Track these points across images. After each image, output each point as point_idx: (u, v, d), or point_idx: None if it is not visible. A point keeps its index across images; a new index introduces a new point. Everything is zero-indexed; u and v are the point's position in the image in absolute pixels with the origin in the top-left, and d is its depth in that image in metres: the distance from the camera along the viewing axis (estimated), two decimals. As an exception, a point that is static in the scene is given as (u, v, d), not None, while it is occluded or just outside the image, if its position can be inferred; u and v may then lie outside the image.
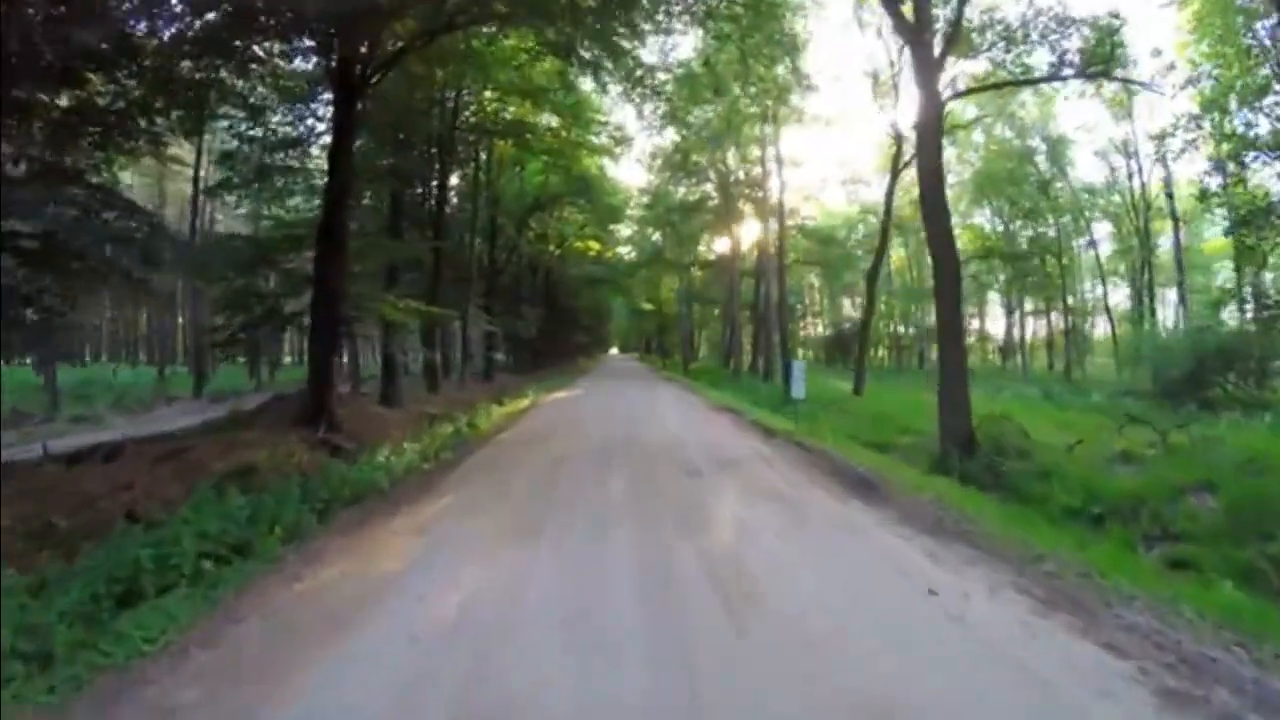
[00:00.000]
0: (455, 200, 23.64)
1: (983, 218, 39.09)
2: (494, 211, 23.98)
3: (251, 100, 12.82)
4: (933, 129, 9.56)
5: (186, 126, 11.86)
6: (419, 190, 18.54)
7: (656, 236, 39.00)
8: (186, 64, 11.59)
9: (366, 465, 7.92)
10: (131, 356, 40.55)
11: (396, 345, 14.42)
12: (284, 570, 4.73)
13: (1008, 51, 11.58)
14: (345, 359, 18.51)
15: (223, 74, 11.82)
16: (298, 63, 12.89)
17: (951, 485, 7.76)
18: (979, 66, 12.13)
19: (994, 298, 43.40)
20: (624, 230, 39.70)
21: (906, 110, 17.75)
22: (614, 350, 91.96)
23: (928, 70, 9.61)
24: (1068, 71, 10.08)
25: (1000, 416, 10.42)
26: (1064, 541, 5.50)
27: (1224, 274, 37.73)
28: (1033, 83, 10.86)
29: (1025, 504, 7.95)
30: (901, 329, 43.39)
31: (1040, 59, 11.31)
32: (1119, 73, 10.41)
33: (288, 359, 51.32)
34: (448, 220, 22.70)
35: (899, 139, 18.14)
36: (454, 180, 21.97)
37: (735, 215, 30.21)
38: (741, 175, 28.32)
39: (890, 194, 18.64)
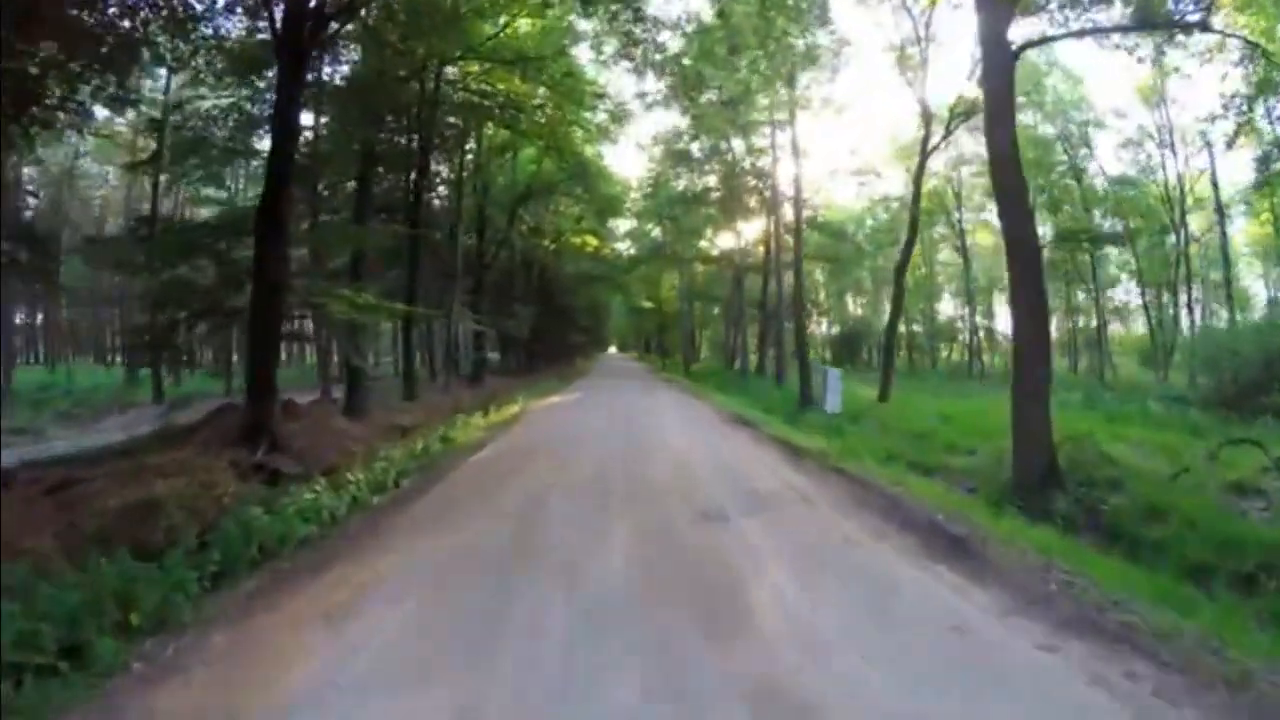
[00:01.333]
0: (441, 190, 21.85)
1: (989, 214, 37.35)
2: (482, 201, 22.16)
3: (194, 65, 11.02)
4: (1004, 85, 7.78)
5: (112, 92, 10.08)
6: (400, 177, 16.77)
7: (656, 232, 37.15)
8: (110, 15, 9.85)
9: (296, 504, 6.11)
10: (108, 358, 38.65)
11: (357, 347, 12.60)
12: (113, 700, 3.02)
13: (1074, 8, 9.79)
14: (334, 359, 16.83)
15: (153, 30, 10.06)
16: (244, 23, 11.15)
17: (1049, 534, 6.00)
18: (1035, 28, 10.33)
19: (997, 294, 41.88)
20: (622, 226, 37.92)
21: (935, 85, 16.02)
22: (612, 350, 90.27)
23: (997, 17, 7.82)
24: (1160, 20, 8.35)
25: (1083, 436, 8.64)
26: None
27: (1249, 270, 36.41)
28: (1119, 30, 9.11)
29: (1133, 554, 6.19)
30: (914, 328, 41.51)
31: (1114, 14, 9.53)
32: (1219, 24, 8.70)
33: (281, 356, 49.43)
34: (433, 212, 20.90)
35: (927, 118, 16.34)
36: (443, 170, 20.21)
37: (741, 207, 28.41)
38: (748, 165, 26.52)
39: (919, 179, 16.83)
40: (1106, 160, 32.27)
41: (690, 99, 16.18)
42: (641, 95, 16.86)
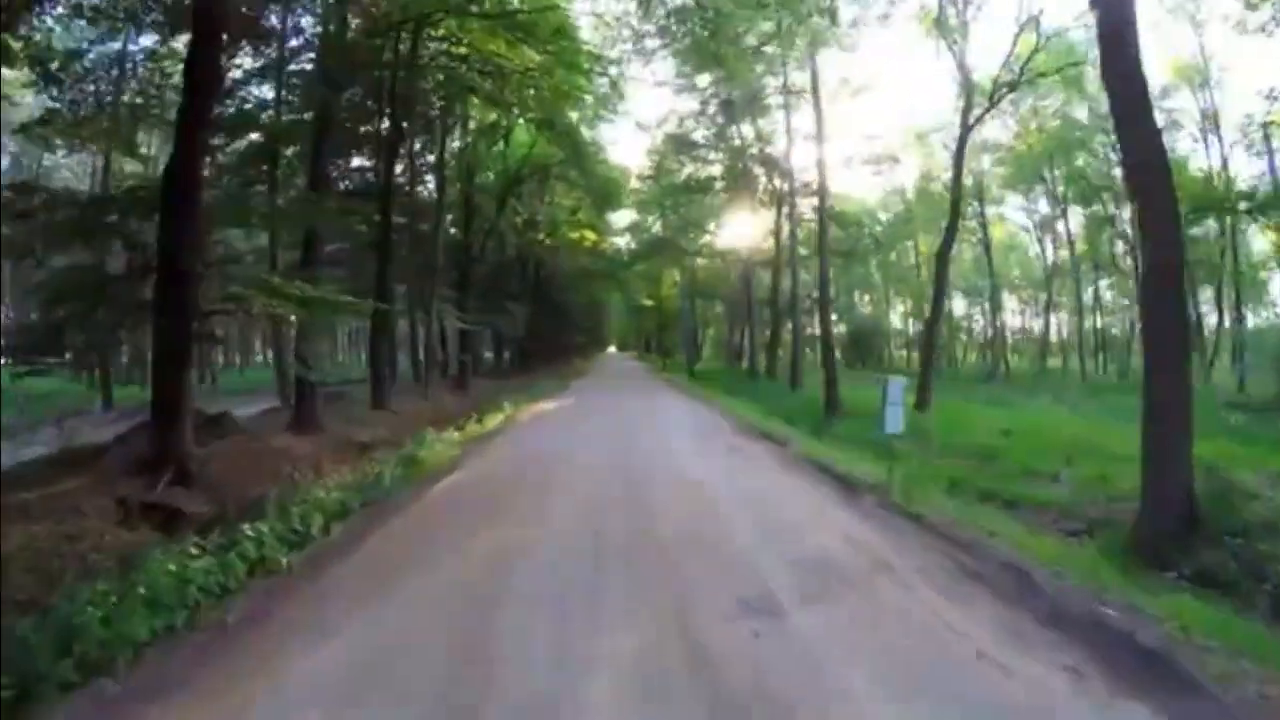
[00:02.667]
0: (428, 178, 19.93)
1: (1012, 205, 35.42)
2: (468, 188, 20.23)
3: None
4: (1125, 9, 5.86)
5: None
6: (375, 159, 14.86)
7: (657, 227, 35.17)
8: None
9: (153, 575, 4.19)
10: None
11: (302, 350, 10.70)
12: None
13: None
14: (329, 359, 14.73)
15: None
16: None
17: (1226, 615, 4.13)
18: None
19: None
20: (621, 220, 35.97)
21: (974, 51, 14.14)
22: (611, 349, 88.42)
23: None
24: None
25: (1210, 464, 6.70)
26: None
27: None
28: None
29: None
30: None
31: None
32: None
33: (258, 357, 47.21)
34: (417, 200, 18.96)
35: (969, 88, 14.43)
36: (429, 157, 18.24)
37: (749, 196, 26.47)
38: (756, 150, 24.59)
39: (960, 156, 14.88)
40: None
41: (707, 37, 14.02)
42: (643, 48, 14.71)
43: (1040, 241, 30.76)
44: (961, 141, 14.89)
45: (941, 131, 28.04)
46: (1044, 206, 30.30)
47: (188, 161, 7.20)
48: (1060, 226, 30.63)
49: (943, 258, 15.05)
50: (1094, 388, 24.53)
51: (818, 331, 46.90)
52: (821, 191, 15.61)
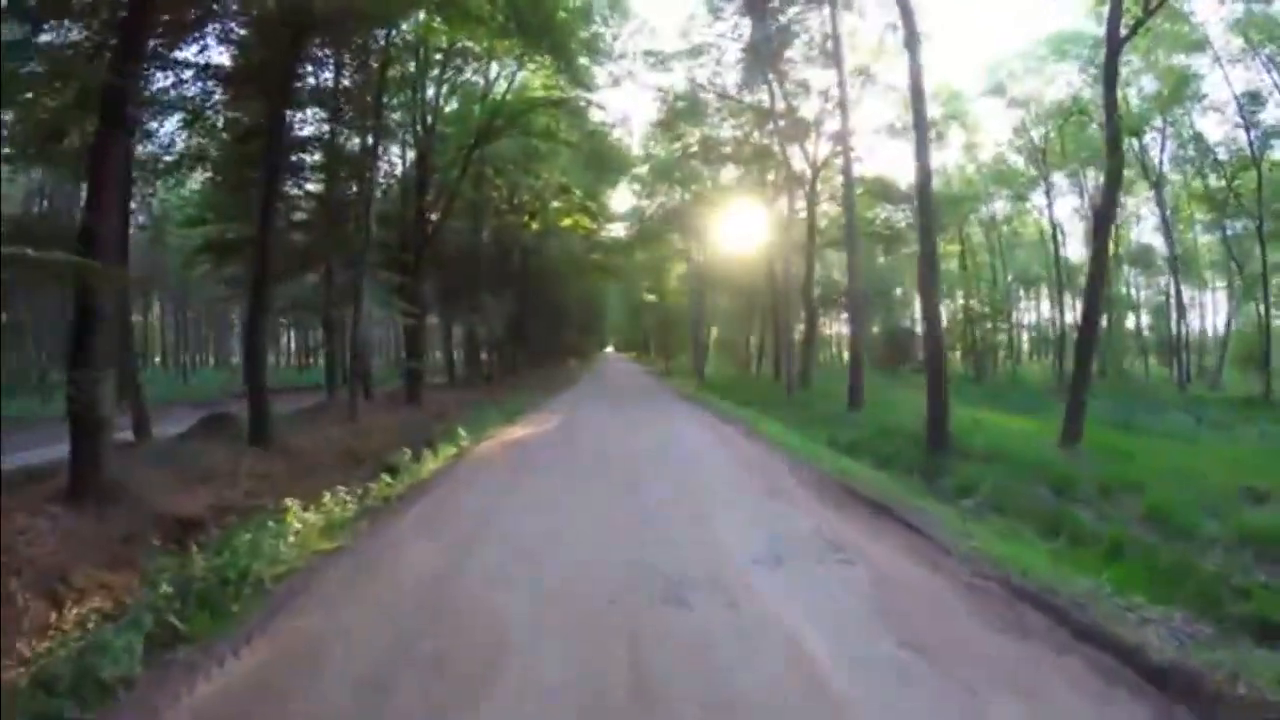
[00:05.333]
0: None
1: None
2: (423, 140, 15.53)
3: None
4: None
5: None
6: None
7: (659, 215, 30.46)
8: None
9: None
10: None
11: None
12: None
13: None
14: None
15: None
16: None
17: None
18: None
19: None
20: (621, 204, 31.27)
21: None
22: (609, 350, 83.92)
23: None
24: None
25: None
26: None
27: None
28: None
29: None
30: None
31: None
32: None
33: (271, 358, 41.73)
34: (339, 150, 14.28)
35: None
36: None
37: (776, 168, 21.89)
38: (783, 107, 19.97)
39: (1112, 77, 10.15)
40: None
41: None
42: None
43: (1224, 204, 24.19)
44: (1111, 60, 10.26)
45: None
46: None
47: None
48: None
49: (1104, 221, 10.34)
50: (1226, 402, 19.79)
51: (827, 331, 42.10)
52: (921, 132, 10.59)
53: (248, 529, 5.29)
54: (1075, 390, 9.89)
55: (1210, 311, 31.12)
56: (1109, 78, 10.15)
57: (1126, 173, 27.85)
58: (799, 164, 20.24)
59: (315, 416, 13.42)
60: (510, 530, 5.79)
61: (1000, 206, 31.46)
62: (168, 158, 13.04)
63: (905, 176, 23.34)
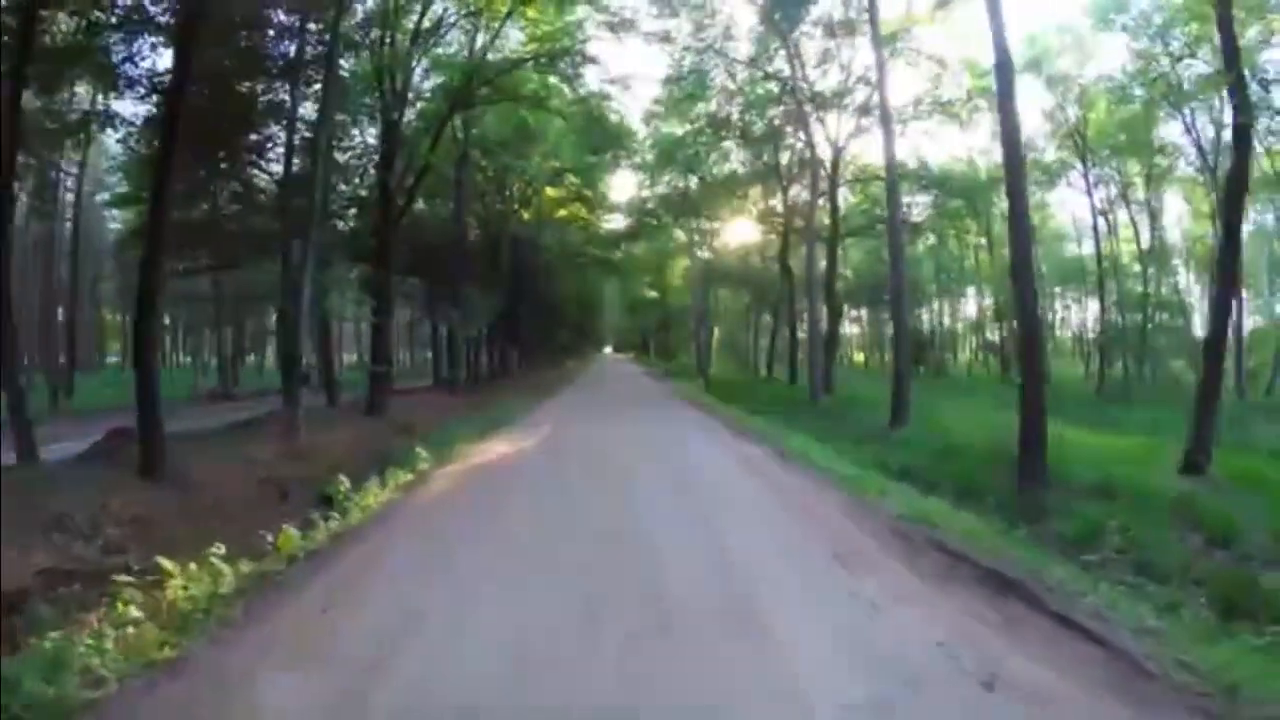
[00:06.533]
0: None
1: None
2: (390, 108, 13.25)
3: None
4: None
5: None
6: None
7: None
8: None
9: None
10: None
11: None
12: None
13: None
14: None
15: None
16: None
17: None
18: None
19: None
20: (620, 193, 28.99)
21: None
22: (608, 350, 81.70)
23: None
24: None
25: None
26: None
27: None
28: None
29: None
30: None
31: None
32: None
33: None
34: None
35: None
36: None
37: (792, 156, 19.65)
38: (807, 85, 17.73)
39: (1227, 17, 7.95)
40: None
41: None
42: None
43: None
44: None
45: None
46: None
47: None
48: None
49: (1235, 192, 8.08)
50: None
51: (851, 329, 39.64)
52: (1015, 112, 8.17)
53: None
54: (1203, 405, 7.65)
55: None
56: (1224, 20, 7.90)
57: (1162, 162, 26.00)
58: (820, 143, 18.01)
59: (253, 432, 11.12)
60: (447, 638, 3.53)
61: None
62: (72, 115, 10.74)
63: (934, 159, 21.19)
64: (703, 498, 6.91)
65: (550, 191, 26.48)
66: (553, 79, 15.39)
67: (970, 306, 36.80)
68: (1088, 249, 27.94)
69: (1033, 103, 25.03)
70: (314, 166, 10.30)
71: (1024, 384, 7.67)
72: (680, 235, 29.63)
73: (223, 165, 13.11)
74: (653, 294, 38.92)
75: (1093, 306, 27.89)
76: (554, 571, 4.60)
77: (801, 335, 19.72)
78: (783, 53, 16.83)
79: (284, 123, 13.05)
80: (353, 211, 17.34)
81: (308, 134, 15.06)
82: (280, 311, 14.95)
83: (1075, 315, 36.86)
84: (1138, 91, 22.68)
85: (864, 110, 17.65)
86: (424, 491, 7.50)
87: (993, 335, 34.11)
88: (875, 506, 6.58)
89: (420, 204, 21.81)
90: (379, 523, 6.26)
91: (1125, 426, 14.21)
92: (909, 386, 12.18)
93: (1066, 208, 29.64)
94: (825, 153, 18.01)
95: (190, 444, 9.76)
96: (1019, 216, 7.87)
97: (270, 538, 5.35)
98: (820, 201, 18.60)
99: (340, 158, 17.59)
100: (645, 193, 27.86)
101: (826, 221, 19.13)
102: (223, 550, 4.69)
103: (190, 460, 8.52)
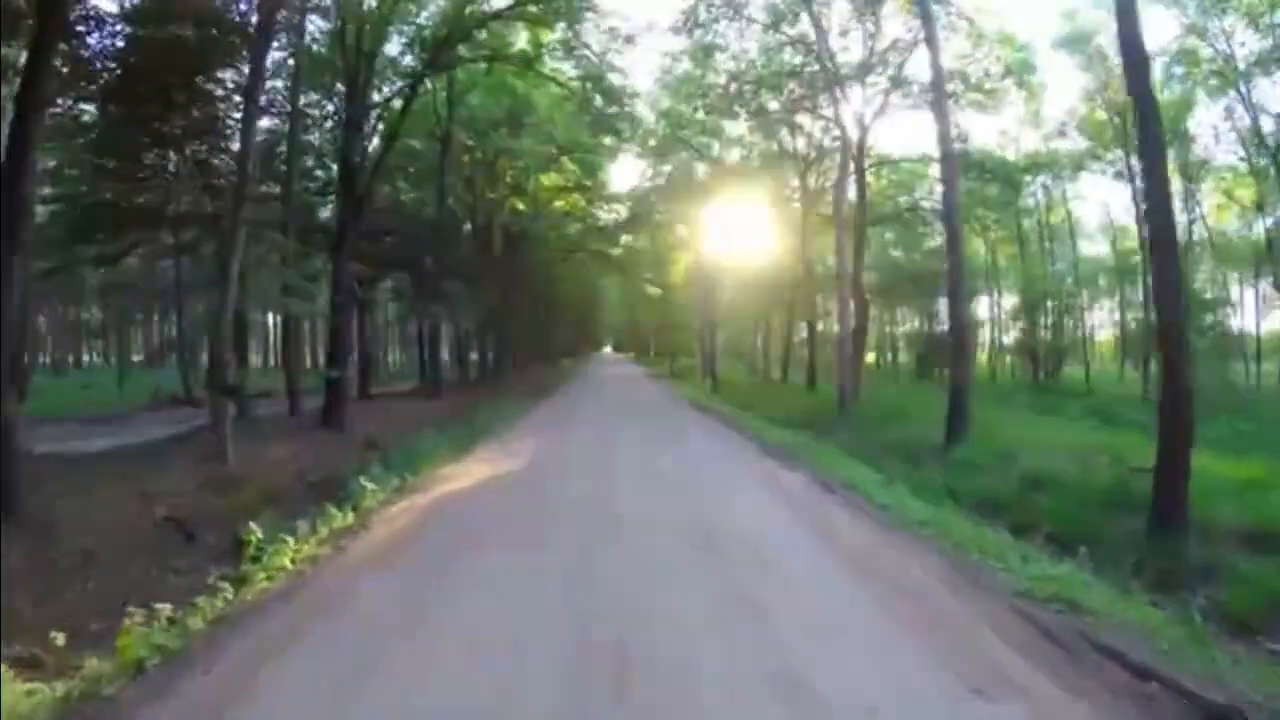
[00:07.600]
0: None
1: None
2: (351, 67, 11.31)
3: None
4: None
5: None
6: None
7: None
8: None
9: None
10: None
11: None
12: None
13: None
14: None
15: None
16: None
17: None
18: None
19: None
20: (622, 181, 27.00)
21: None
22: (607, 349, 79.81)
23: None
24: None
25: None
26: None
27: None
28: None
29: None
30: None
31: None
32: None
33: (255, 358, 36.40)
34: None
35: None
36: None
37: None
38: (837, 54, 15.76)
39: None
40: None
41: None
42: None
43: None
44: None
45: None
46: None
47: None
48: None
49: None
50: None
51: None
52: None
53: None
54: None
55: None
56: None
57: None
58: (847, 122, 16.05)
59: (177, 451, 9.17)
60: None
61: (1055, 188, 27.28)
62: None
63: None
64: (740, 562, 4.95)
65: (546, 180, 24.54)
66: (546, 35, 13.37)
67: (982, 307, 34.72)
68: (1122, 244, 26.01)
69: (1068, 85, 23.15)
70: (246, 125, 8.34)
71: (1165, 399, 5.74)
72: (683, 230, 27.71)
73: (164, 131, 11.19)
74: (654, 290, 36.90)
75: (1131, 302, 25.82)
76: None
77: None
78: (805, 16, 14.87)
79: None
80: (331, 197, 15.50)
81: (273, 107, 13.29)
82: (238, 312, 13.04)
83: (1097, 316, 34.78)
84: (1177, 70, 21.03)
85: (897, 82, 15.72)
86: (360, 545, 5.54)
87: (1007, 338, 32.26)
88: (981, 571, 4.68)
89: (413, 194, 19.96)
90: (281, 602, 4.32)
91: (1207, 441, 12.29)
92: (968, 398, 10.20)
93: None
94: (853, 133, 16.03)
95: (81, 469, 7.84)
96: (1157, 200, 5.91)
97: (137, 614, 3.67)
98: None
99: (313, 139, 15.73)
100: (648, 183, 26.04)
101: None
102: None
103: (63, 493, 6.60)
